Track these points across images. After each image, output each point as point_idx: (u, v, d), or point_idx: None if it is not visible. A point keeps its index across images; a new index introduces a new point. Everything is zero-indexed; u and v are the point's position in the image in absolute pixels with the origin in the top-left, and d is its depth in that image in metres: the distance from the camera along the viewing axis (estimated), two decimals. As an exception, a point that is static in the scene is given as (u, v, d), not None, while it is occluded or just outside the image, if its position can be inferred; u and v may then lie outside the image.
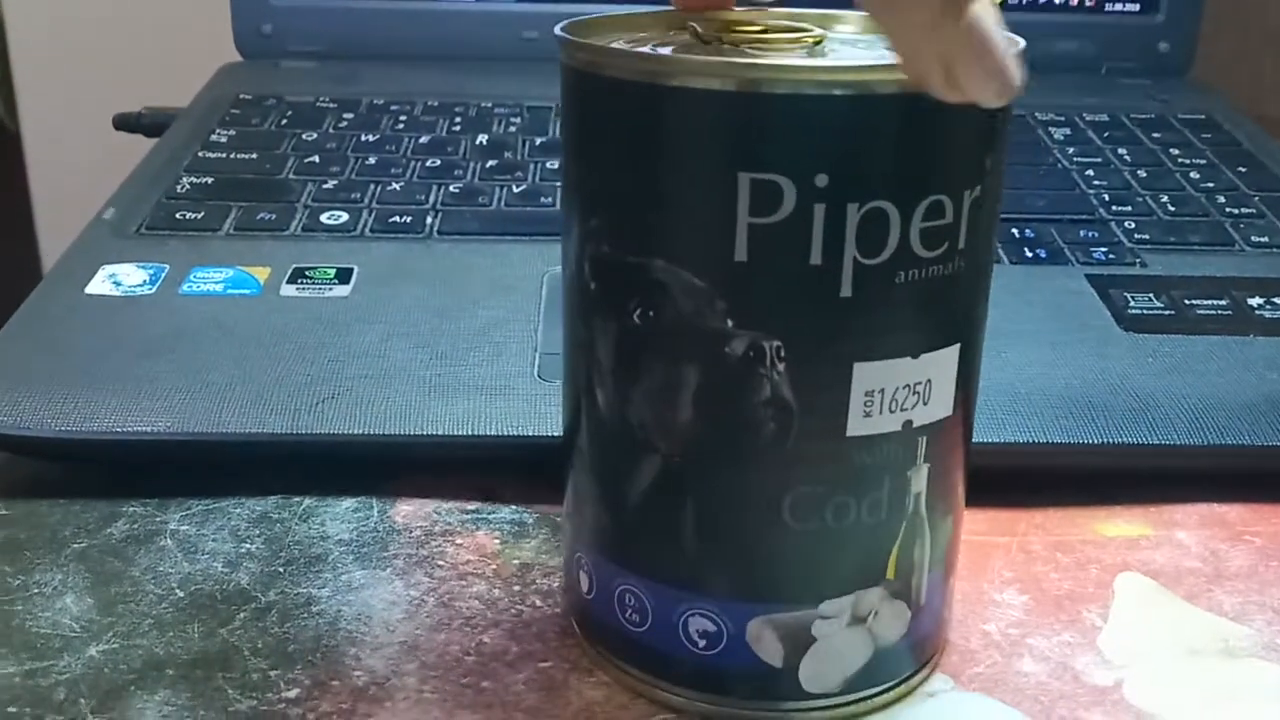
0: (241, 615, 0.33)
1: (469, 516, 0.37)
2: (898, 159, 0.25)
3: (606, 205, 0.27)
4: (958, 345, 0.27)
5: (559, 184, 0.25)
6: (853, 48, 0.29)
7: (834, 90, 0.24)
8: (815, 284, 0.26)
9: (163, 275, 0.45)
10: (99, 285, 0.45)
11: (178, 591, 0.34)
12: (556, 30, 0.27)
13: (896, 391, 0.27)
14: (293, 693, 0.30)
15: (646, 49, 0.28)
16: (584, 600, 0.31)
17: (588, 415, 0.29)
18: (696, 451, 0.27)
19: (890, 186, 0.25)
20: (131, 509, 0.37)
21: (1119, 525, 0.37)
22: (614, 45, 0.28)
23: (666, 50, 0.28)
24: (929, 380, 0.27)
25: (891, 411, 0.27)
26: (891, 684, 0.30)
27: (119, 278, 0.45)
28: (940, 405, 0.27)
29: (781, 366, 0.26)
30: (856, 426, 0.27)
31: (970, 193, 0.26)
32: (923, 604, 0.29)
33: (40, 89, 0.95)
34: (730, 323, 0.26)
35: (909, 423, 0.27)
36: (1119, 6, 0.70)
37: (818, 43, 0.29)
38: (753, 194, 0.25)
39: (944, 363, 0.27)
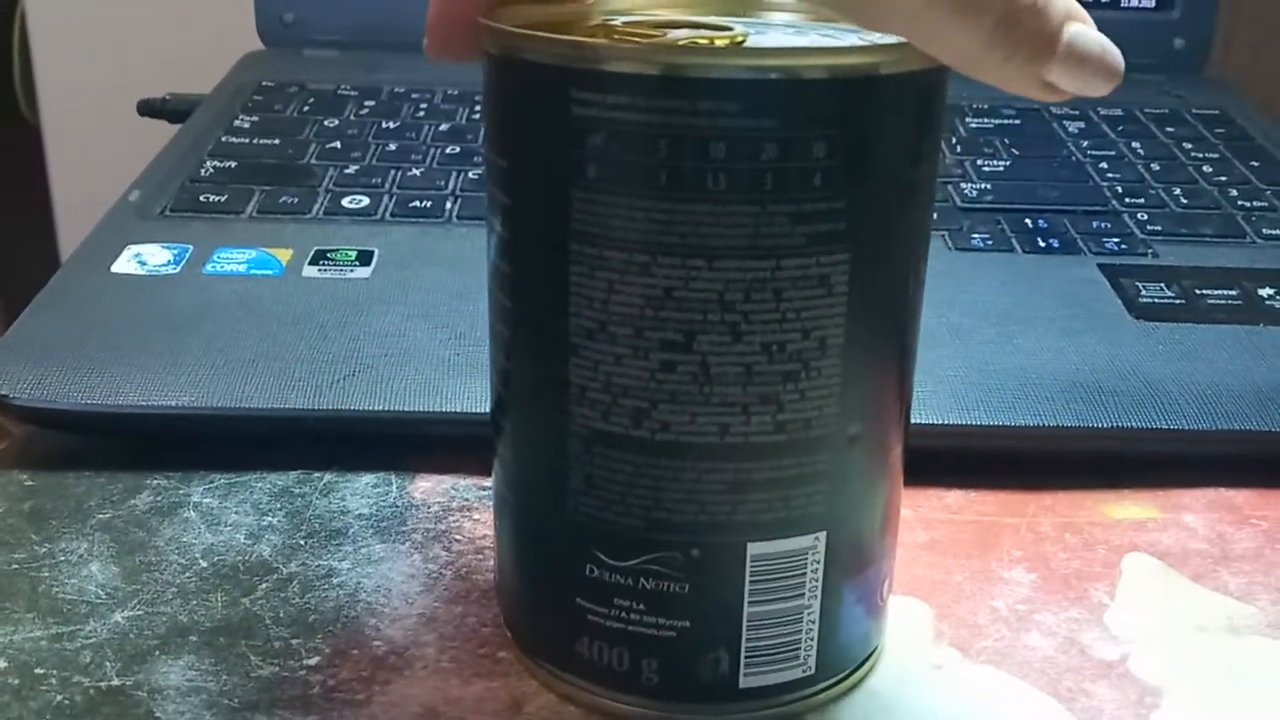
0: (263, 585, 0.33)
1: (486, 493, 0.38)
2: None
3: None
4: None
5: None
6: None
7: None
8: None
9: (187, 255, 0.46)
10: (124, 264, 0.45)
11: (200, 561, 0.34)
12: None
13: None
14: (313, 660, 0.31)
15: None
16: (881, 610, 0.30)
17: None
18: None
19: None
20: (155, 481, 0.38)
21: (1127, 508, 0.38)
22: None
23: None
24: None
25: None
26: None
27: (144, 257, 0.46)
28: None
29: None
30: None
31: None
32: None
33: (59, 83, 0.95)
34: None
35: None
36: (1134, 3, 0.70)
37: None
38: None
39: None
